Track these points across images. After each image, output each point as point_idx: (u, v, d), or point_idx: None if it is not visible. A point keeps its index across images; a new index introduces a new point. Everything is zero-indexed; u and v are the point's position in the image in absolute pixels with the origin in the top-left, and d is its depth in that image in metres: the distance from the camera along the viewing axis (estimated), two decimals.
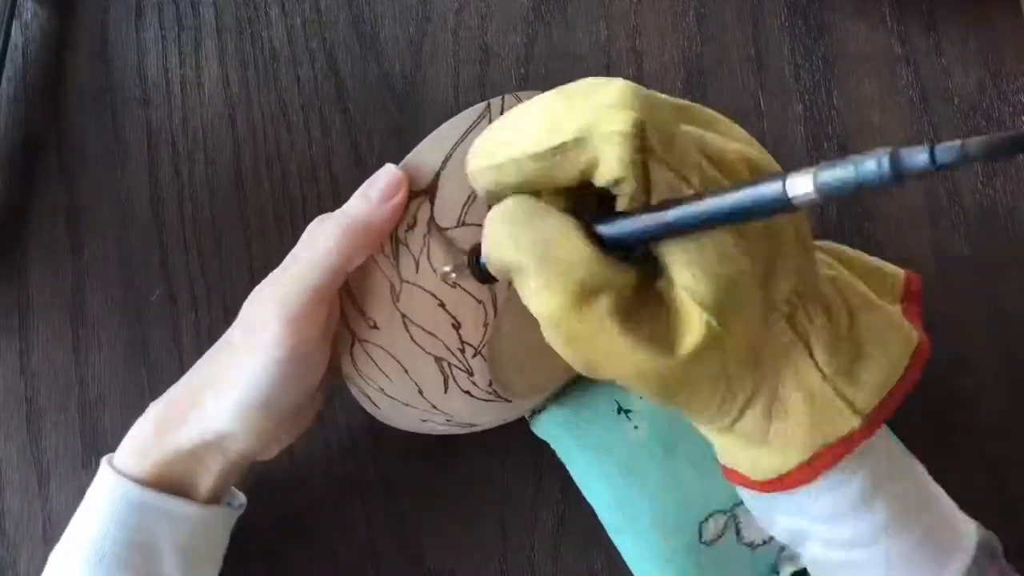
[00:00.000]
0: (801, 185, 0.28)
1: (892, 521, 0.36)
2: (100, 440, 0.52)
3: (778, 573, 0.47)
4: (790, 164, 0.55)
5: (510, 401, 0.46)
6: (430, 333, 0.43)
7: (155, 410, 0.44)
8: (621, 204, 0.33)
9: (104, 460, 0.44)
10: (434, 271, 0.42)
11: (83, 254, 0.54)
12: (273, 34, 0.56)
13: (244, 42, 0.56)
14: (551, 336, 0.34)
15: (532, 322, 0.35)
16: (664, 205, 0.32)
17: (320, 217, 0.43)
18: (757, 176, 0.33)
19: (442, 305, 0.43)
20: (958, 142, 0.25)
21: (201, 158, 0.55)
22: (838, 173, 0.26)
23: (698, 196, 0.31)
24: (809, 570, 0.41)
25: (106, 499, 0.43)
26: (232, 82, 0.56)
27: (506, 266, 0.34)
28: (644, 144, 0.31)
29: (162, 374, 0.53)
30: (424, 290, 0.42)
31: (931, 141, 0.25)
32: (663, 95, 0.34)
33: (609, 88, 0.33)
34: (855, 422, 0.35)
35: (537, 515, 0.51)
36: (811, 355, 0.35)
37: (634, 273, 0.33)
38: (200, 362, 0.44)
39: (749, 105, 0.54)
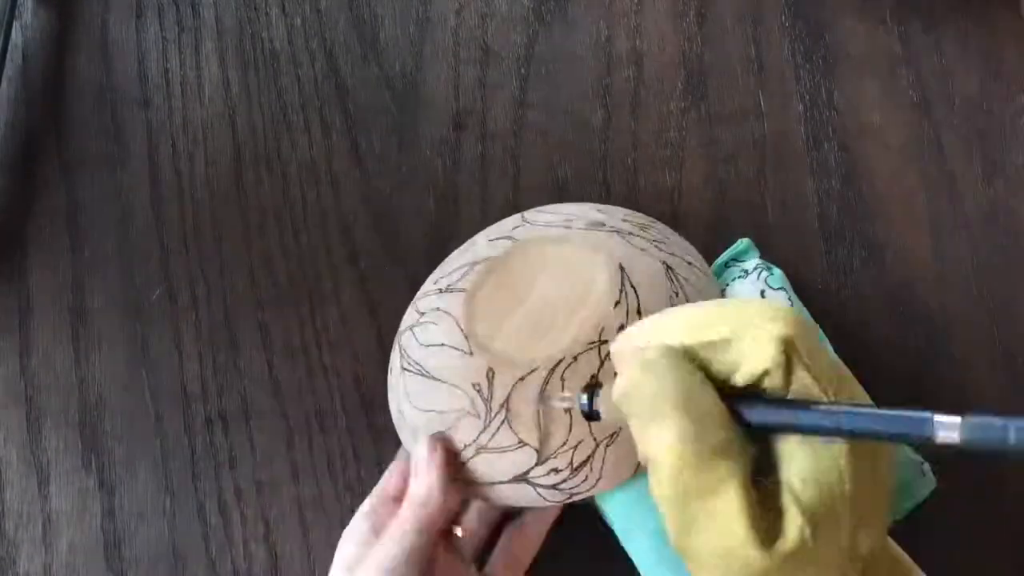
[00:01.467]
0: (948, 430, 0.30)
1: None
2: (100, 440, 0.52)
3: None
4: (791, 164, 0.55)
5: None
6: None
7: None
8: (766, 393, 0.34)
9: None
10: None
11: (83, 254, 0.54)
12: (273, 35, 0.56)
13: (244, 43, 0.56)
14: (662, 484, 0.34)
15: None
16: (803, 403, 0.33)
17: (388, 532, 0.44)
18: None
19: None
20: None
21: (201, 158, 0.55)
22: (991, 433, 0.28)
23: (836, 405, 0.33)
24: None
25: None
26: (232, 82, 0.56)
27: (638, 409, 0.34)
28: (792, 346, 0.33)
29: (162, 374, 0.53)
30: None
31: None
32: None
33: (763, 302, 0.36)
34: None
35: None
36: None
37: (753, 456, 0.34)
38: None
39: (749, 105, 0.55)
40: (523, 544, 0.47)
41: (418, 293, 0.50)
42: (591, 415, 0.39)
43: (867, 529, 0.35)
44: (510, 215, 0.52)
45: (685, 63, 0.55)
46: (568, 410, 0.42)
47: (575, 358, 0.43)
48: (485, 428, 0.43)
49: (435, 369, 0.45)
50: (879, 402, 0.47)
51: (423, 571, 0.42)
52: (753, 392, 0.34)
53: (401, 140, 0.55)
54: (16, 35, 0.56)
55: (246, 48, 0.56)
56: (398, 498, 0.46)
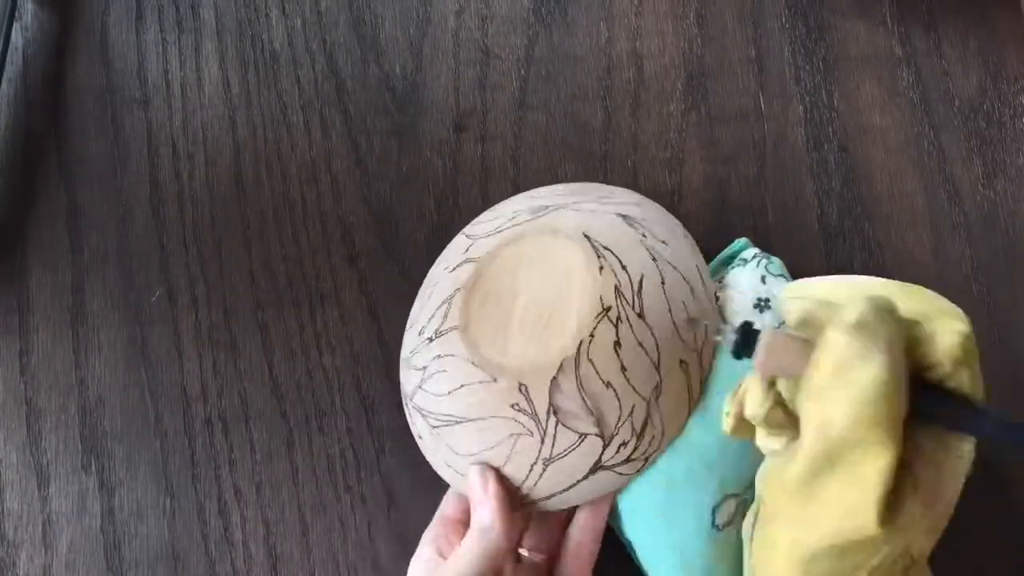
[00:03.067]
0: None
1: None
2: (100, 441, 0.52)
3: None
4: (791, 165, 0.55)
5: None
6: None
7: None
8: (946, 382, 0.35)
9: None
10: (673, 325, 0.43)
11: (83, 255, 0.54)
12: (273, 36, 0.56)
13: (244, 44, 0.56)
14: (841, 405, 0.33)
15: None
16: (971, 402, 0.35)
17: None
18: None
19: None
20: None
21: (201, 159, 0.55)
22: None
23: (987, 411, 0.35)
24: None
25: None
26: (232, 83, 0.56)
27: (864, 338, 0.34)
28: (969, 345, 0.35)
29: (162, 375, 0.53)
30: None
31: None
32: None
33: (947, 302, 0.37)
34: None
35: None
36: None
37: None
38: None
39: (749, 107, 0.55)
40: (586, 540, 0.46)
41: (404, 354, 0.49)
42: (740, 351, 0.37)
43: (930, 536, 0.36)
44: None
45: (685, 64, 0.55)
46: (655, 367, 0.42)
47: (592, 335, 0.43)
48: (543, 440, 0.43)
49: (467, 410, 0.44)
50: None
51: None
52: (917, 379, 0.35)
53: (401, 141, 0.55)
54: (16, 36, 0.56)
55: (246, 49, 0.56)
56: (461, 520, 0.46)
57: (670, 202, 0.54)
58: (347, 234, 0.54)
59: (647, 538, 0.47)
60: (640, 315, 0.43)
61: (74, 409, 0.53)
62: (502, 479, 0.44)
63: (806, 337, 0.36)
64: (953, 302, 0.51)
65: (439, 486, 0.48)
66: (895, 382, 0.33)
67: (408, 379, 0.48)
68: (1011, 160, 0.54)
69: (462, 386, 0.44)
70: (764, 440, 0.38)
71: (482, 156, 0.55)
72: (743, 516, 0.46)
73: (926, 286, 0.52)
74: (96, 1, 0.57)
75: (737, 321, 0.39)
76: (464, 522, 0.46)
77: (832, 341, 0.34)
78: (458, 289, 0.46)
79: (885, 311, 0.34)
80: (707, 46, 0.55)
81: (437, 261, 0.50)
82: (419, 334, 0.47)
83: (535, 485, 0.44)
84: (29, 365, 0.53)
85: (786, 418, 0.36)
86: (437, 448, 0.47)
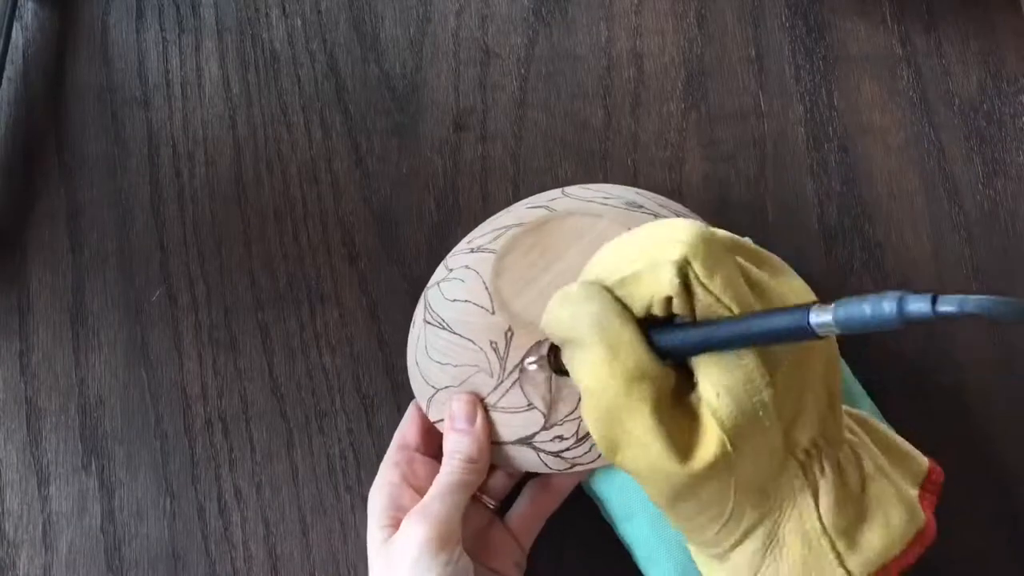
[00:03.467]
0: (822, 315, 0.31)
1: None
2: (100, 441, 0.52)
3: None
4: (791, 165, 0.55)
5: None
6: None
7: None
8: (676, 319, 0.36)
9: None
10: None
11: (83, 254, 0.54)
12: (274, 35, 0.56)
13: (244, 43, 0.56)
14: (588, 406, 0.37)
15: None
16: (704, 323, 0.35)
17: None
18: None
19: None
20: (959, 297, 0.28)
21: (201, 159, 0.55)
22: (853, 310, 0.30)
23: (734, 318, 0.35)
24: None
25: None
26: (232, 83, 0.56)
27: (562, 339, 0.38)
28: (687, 267, 0.35)
29: (162, 375, 0.53)
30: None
31: (936, 292, 0.29)
32: (724, 232, 0.37)
33: (671, 226, 0.37)
34: None
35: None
36: (816, 506, 0.37)
37: (673, 377, 0.36)
38: None
39: (749, 106, 0.55)
40: (544, 500, 0.47)
41: (451, 251, 0.50)
42: (558, 369, 0.42)
43: (803, 424, 0.37)
44: None
45: (685, 63, 0.55)
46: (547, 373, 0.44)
47: (523, 359, 0.44)
48: (497, 387, 0.44)
49: (456, 323, 0.46)
50: (876, 400, 0.47)
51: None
52: (668, 321, 0.36)
53: (401, 140, 0.55)
54: (16, 35, 0.56)
55: (246, 49, 0.56)
56: (420, 449, 0.47)
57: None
58: (347, 234, 0.54)
59: (645, 536, 0.47)
60: None
61: (74, 409, 0.53)
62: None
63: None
64: None
65: None
66: (613, 353, 0.35)
67: (437, 273, 0.49)
68: (1011, 159, 0.54)
69: (467, 301, 0.46)
70: None
71: (482, 155, 0.55)
72: None
73: (926, 286, 0.52)
74: (96, 0, 0.57)
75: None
76: (424, 452, 0.47)
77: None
78: (520, 224, 0.47)
79: (582, 293, 0.37)
80: (707, 45, 0.55)
81: (531, 197, 0.51)
82: (468, 242, 0.49)
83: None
84: (29, 365, 0.53)
85: None
86: (416, 339, 0.48)
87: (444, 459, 0.45)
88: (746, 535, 0.37)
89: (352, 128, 0.55)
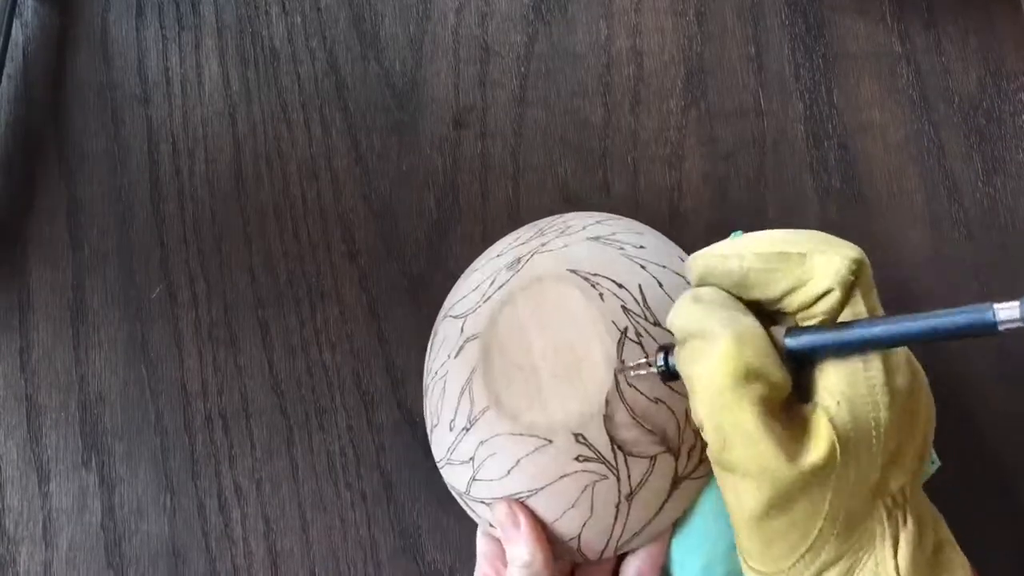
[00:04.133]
0: (1011, 311, 0.31)
1: None
2: (100, 438, 0.52)
3: None
4: (791, 162, 0.55)
5: None
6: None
7: None
8: (816, 319, 0.36)
9: None
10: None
11: (83, 252, 0.54)
12: (273, 32, 0.56)
13: (244, 41, 0.56)
14: (702, 398, 0.36)
15: None
16: (848, 322, 0.35)
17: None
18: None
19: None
20: None
21: (201, 156, 0.55)
22: None
23: (895, 317, 0.35)
24: None
25: None
26: (232, 80, 0.56)
27: (688, 331, 0.37)
28: (861, 271, 0.35)
29: (162, 372, 0.53)
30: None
31: None
32: None
33: (840, 239, 0.37)
34: None
35: None
36: (895, 557, 0.36)
37: (790, 385, 0.36)
38: None
39: (749, 104, 0.55)
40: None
41: (440, 456, 0.47)
42: (670, 374, 0.40)
43: (899, 468, 0.36)
44: (510, 214, 0.52)
45: (685, 61, 0.55)
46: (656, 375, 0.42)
47: (621, 360, 0.42)
48: (619, 478, 0.42)
49: (533, 482, 0.43)
50: None
51: None
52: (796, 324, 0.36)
53: (401, 138, 0.55)
54: (16, 33, 0.56)
55: (246, 46, 0.56)
56: (501, 558, 0.46)
57: (670, 199, 0.54)
58: (347, 231, 0.54)
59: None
60: (655, 323, 0.43)
61: (74, 406, 0.53)
62: (534, 516, 0.43)
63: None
64: (953, 300, 0.52)
65: (440, 481, 0.48)
66: (737, 349, 0.35)
67: (456, 477, 0.46)
68: (1011, 157, 0.54)
69: (519, 461, 0.43)
70: None
71: (482, 153, 0.55)
72: None
73: (926, 285, 0.52)
74: None
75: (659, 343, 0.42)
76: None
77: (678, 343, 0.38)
78: (473, 370, 0.44)
79: (713, 292, 0.37)
80: (707, 43, 0.55)
81: (431, 356, 0.48)
82: (450, 429, 0.45)
83: (625, 523, 0.43)
84: (29, 362, 0.53)
85: None
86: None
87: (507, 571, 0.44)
88: (823, 570, 0.36)
89: (352, 125, 0.55)
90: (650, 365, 0.41)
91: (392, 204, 0.54)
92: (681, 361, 0.37)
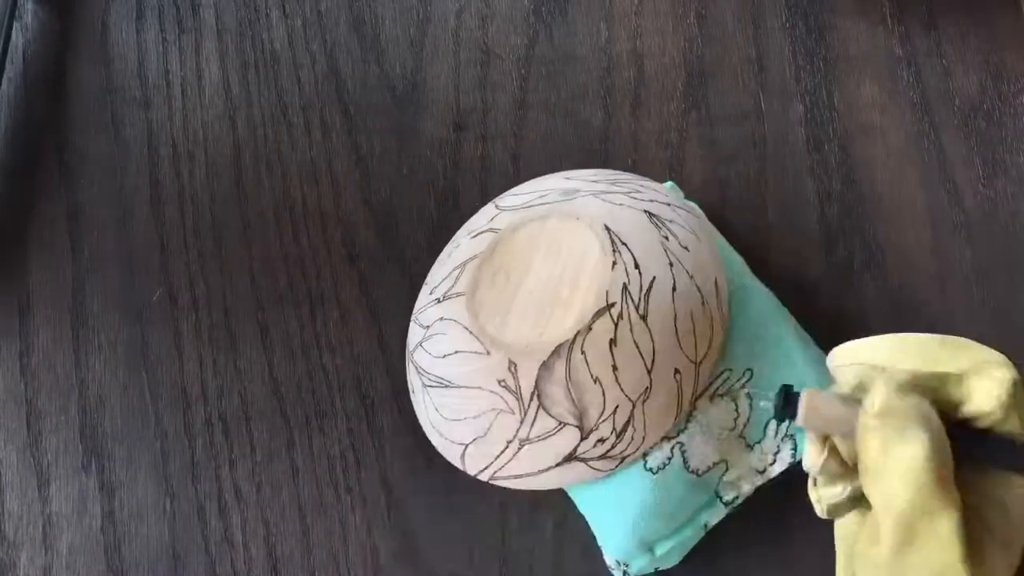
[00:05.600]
0: None
1: None
2: (100, 442, 0.52)
3: (720, 497, 0.47)
4: (791, 165, 0.55)
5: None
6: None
7: None
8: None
9: None
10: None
11: (83, 255, 0.54)
12: (274, 35, 0.56)
13: (244, 43, 0.56)
14: (897, 496, 0.35)
15: None
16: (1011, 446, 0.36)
17: None
18: None
19: (649, 371, 0.43)
20: None
21: (201, 159, 0.55)
22: None
23: None
24: None
25: None
26: (232, 83, 0.56)
27: (892, 423, 0.36)
28: (1019, 391, 0.36)
29: (162, 375, 0.53)
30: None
31: None
32: None
33: (991, 351, 0.37)
34: None
35: (537, 518, 0.51)
36: None
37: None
38: None
39: (749, 106, 0.55)
40: None
41: (415, 307, 0.49)
42: (786, 414, 0.39)
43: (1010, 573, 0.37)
44: None
45: (685, 64, 0.55)
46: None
47: (590, 327, 0.43)
48: (522, 421, 0.43)
49: (456, 377, 0.45)
50: None
51: None
52: (964, 427, 0.37)
53: (401, 141, 0.55)
54: (16, 36, 0.56)
55: (246, 49, 0.56)
56: None
57: None
58: (347, 234, 0.54)
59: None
60: (643, 317, 0.43)
61: (74, 410, 0.53)
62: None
63: (843, 394, 0.38)
64: (953, 302, 0.52)
65: (440, 486, 0.48)
66: (937, 450, 0.35)
67: (413, 334, 0.48)
68: (1011, 159, 0.54)
69: (456, 352, 0.45)
70: (826, 489, 0.39)
71: (482, 156, 0.55)
72: (680, 459, 0.47)
73: (926, 286, 0.52)
74: (96, 1, 0.57)
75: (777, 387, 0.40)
76: None
77: (866, 426, 0.36)
78: (473, 256, 0.46)
79: (907, 384, 0.36)
80: (707, 46, 0.55)
81: (465, 224, 0.50)
82: (430, 293, 0.48)
83: (507, 463, 0.44)
84: (29, 366, 0.53)
85: (841, 467, 0.38)
86: (423, 405, 0.47)
87: None
88: None
89: (352, 128, 0.55)
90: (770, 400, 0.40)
91: (392, 207, 0.54)
92: (869, 449, 0.37)
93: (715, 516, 0.48)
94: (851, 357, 0.38)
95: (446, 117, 0.55)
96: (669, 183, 0.53)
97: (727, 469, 0.47)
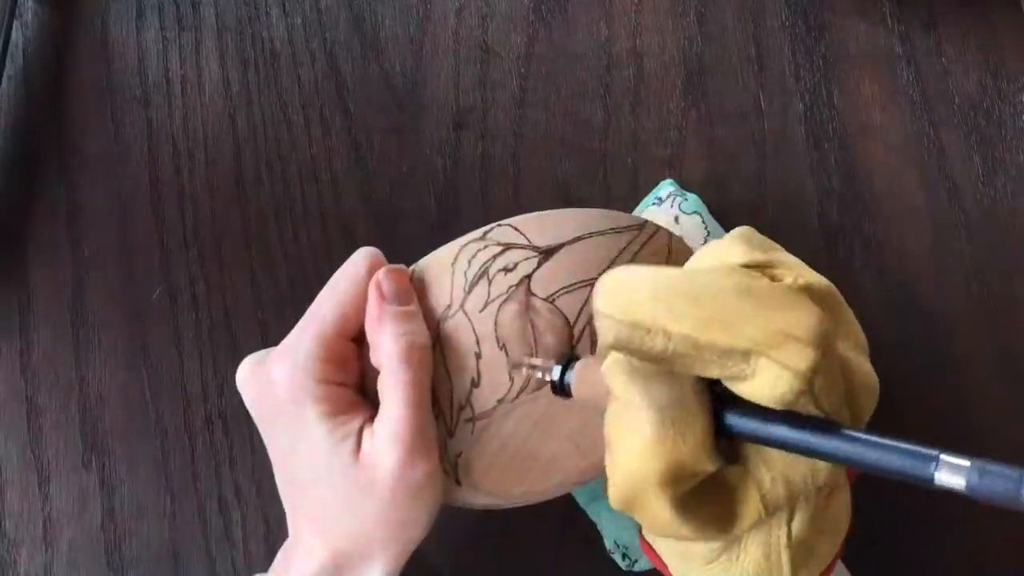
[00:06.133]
0: (953, 473, 0.28)
1: None
2: (100, 440, 0.52)
3: None
4: (791, 163, 0.55)
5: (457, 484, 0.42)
6: (448, 372, 0.41)
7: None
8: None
9: None
10: (494, 325, 0.40)
11: (83, 253, 0.54)
12: (274, 34, 0.56)
13: (244, 42, 0.56)
14: (617, 474, 0.33)
15: (540, 431, 0.39)
16: (796, 419, 0.31)
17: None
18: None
19: (477, 355, 0.41)
20: None
21: (201, 158, 0.55)
22: (998, 485, 0.26)
23: (840, 434, 0.30)
24: None
25: None
26: (232, 82, 0.56)
27: (615, 390, 0.33)
28: (809, 382, 0.30)
29: (162, 373, 0.53)
30: (471, 329, 0.40)
31: None
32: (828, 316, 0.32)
33: (801, 315, 0.31)
34: None
35: (540, 516, 0.51)
36: (789, 521, 0.34)
37: (722, 463, 0.33)
38: (325, 515, 0.41)
39: (749, 105, 0.54)
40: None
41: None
42: (562, 390, 0.38)
43: (824, 478, 0.34)
44: (510, 214, 0.52)
45: (685, 62, 0.55)
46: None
47: (527, 355, 0.41)
48: (490, 344, 0.41)
49: (493, 286, 0.41)
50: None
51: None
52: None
53: (401, 139, 0.55)
54: (16, 34, 0.56)
55: (246, 47, 0.56)
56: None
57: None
58: (347, 232, 0.54)
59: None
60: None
61: (74, 408, 0.53)
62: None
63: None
64: (953, 301, 0.52)
65: None
66: (665, 437, 0.31)
67: (470, 234, 0.44)
68: (1011, 158, 0.54)
69: (486, 269, 0.41)
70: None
71: (482, 154, 0.55)
72: None
73: (926, 285, 0.52)
74: None
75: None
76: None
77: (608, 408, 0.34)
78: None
79: (667, 356, 0.31)
80: (707, 44, 0.55)
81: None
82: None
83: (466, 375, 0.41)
84: (30, 364, 0.53)
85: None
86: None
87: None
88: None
89: (352, 127, 0.55)
90: (545, 372, 0.39)
91: (392, 205, 0.54)
92: (606, 419, 0.34)
93: None
94: (621, 305, 0.31)
95: (446, 116, 0.55)
96: (669, 180, 0.53)
97: None
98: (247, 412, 0.52)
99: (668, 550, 0.37)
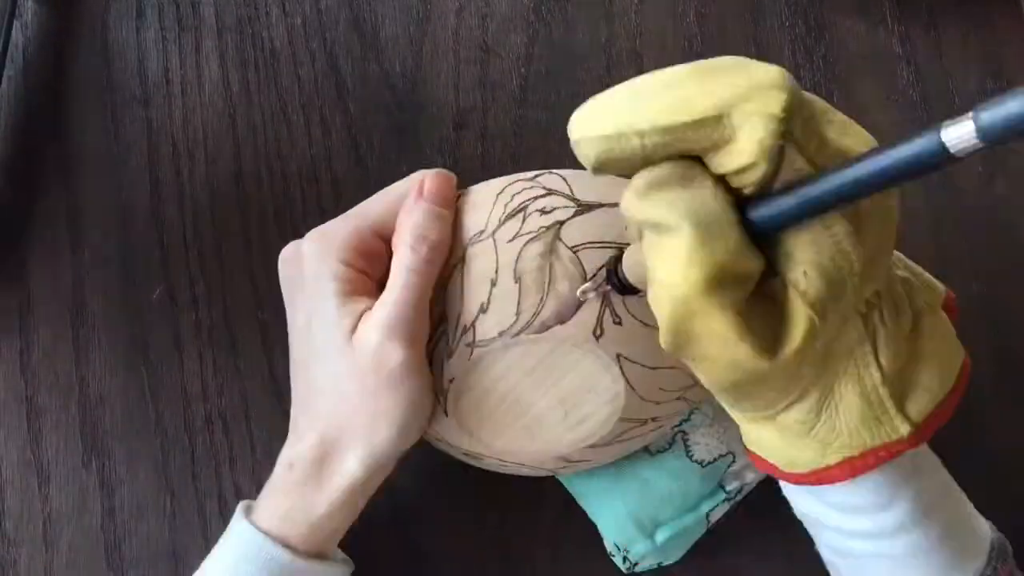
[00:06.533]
0: (960, 129, 0.25)
1: (913, 517, 0.36)
2: (100, 440, 0.52)
3: (724, 487, 0.48)
4: None
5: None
6: (462, 293, 0.41)
7: (292, 471, 0.42)
8: (747, 189, 0.31)
9: (249, 520, 0.42)
10: (516, 257, 0.41)
11: (83, 254, 0.54)
12: (274, 34, 0.56)
13: (244, 42, 0.56)
14: (662, 298, 0.32)
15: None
16: (797, 184, 0.30)
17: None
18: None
19: (492, 282, 0.41)
20: None
21: (201, 158, 0.55)
22: (1004, 110, 0.23)
23: (838, 166, 0.29)
24: (822, 554, 0.42)
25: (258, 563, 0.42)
26: (232, 82, 0.56)
27: (643, 222, 0.32)
28: (788, 129, 0.30)
29: (162, 373, 0.53)
30: (495, 257, 0.41)
31: None
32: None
33: (762, 68, 0.31)
34: (904, 430, 0.34)
35: (538, 509, 0.51)
36: (876, 356, 0.34)
37: (762, 267, 0.32)
38: (316, 397, 0.42)
39: None
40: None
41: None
42: (623, 287, 0.38)
43: (872, 276, 0.33)
44: None
45: (685, 62, 0.55)
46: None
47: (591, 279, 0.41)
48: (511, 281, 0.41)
49: (524, 222, 0.43)
50: None
51: None
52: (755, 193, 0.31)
53: (401, 139, 0.55)
54: (16, 34, 0.56)
55: (246, 47, 0.56)
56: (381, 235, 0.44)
57: None
58: None
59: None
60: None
61: (74, 408, 0.53)
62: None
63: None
64: (956, 302, 0.52)
65: (440, 484, 0.48)
66: (704, 242, 0.30)
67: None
68: (1011, 158, 0.54)
69: (525, 207, 0.43)
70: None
71: (482, 154, 0.55)
72: (682, 448, 0.47)
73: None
74: None
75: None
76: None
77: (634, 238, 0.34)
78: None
79: (659, 152, 0.31)
80: (707, 44, 0.55)
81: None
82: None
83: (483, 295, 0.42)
84: (29, 364, 0.53)
85: None
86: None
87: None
88: (799, 399, 0.34)
89: (352, 127, 0.55)
90: (599, 284, 0.39)
91: None
92: (641, 256, 0.33)
93: (716, 506, 0.48)
94: (589, 125, 0.33)
95: (446, 116, 0.55)
96: None
97: (734, 460, 0.48)
98: (247, 412, 0.52)
99: (771, 443, 0.36)
